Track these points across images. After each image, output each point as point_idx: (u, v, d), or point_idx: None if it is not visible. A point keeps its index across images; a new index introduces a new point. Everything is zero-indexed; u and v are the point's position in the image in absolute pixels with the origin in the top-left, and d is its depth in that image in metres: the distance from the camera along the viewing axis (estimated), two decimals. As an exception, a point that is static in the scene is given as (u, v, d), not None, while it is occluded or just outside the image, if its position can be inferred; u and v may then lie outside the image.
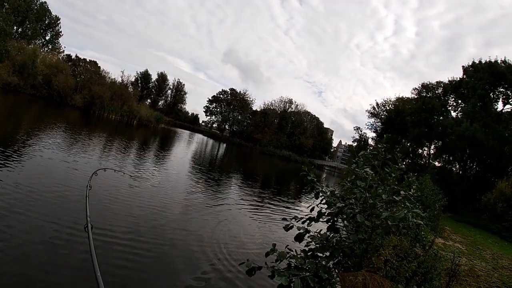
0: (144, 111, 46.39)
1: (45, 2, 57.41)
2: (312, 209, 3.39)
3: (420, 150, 40.25)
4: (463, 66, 35.40)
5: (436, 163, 36.74)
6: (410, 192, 3.46)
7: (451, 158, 33.40)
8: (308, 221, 3.34)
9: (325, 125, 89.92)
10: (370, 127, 50.41)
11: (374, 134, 49.48)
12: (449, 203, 15.52)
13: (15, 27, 52.65)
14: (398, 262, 2.90)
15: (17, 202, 5.78)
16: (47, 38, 58.49)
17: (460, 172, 32.34)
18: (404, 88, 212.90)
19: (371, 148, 39.03)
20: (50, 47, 57.23)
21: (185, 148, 31.35)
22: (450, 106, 38.24)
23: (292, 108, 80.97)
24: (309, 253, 3.17)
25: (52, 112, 29.07)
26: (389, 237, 3.03)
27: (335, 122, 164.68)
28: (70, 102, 39.89)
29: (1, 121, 16.29)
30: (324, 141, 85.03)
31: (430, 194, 11.78)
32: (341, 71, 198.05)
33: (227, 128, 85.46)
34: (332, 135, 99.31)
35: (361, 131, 53.10)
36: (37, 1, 56.63)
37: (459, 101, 37.06)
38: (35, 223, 5.20)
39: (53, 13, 59.01)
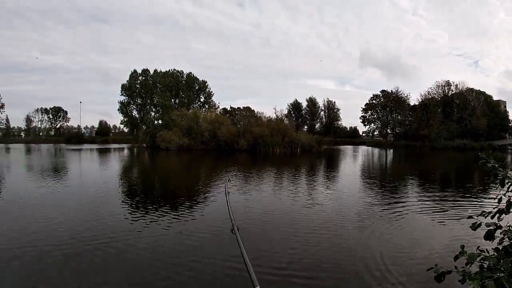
0: (304, 138, 47.93)
1: (190, 73, 69.63)
2: (500, 200, 2.71)
3: None
4: None
5: None
6: None
7: None
8: (497, 215, 2.75)
9: (494, 98, 75.39)
10: (547, 81, 38.46)
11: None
12: None
13: (172, 100, 65.85)
14: None
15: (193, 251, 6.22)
16: (202, 100, 70.01)
17: None
18: None
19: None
20: (206, 106, 68.02)
21: (352, 163, 31.12)
22: None
23: (452, 90, 71.59)
24: (502, 251, 2.61)
25: (223, 159, 32.69)
26: None
27: (503, 91, 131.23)
28: (237, 147, 44.69)
29: (185, 175, 20.11)
30: (499, 116, 71.09)
31: None
32: (489, 29, 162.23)
33: (389, 132, 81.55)
34: (505, 106, 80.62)
35: (538, 91, 41.54)
36: (183, 74, 69.30)
37: None
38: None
39: (200, 79, 70.31)
